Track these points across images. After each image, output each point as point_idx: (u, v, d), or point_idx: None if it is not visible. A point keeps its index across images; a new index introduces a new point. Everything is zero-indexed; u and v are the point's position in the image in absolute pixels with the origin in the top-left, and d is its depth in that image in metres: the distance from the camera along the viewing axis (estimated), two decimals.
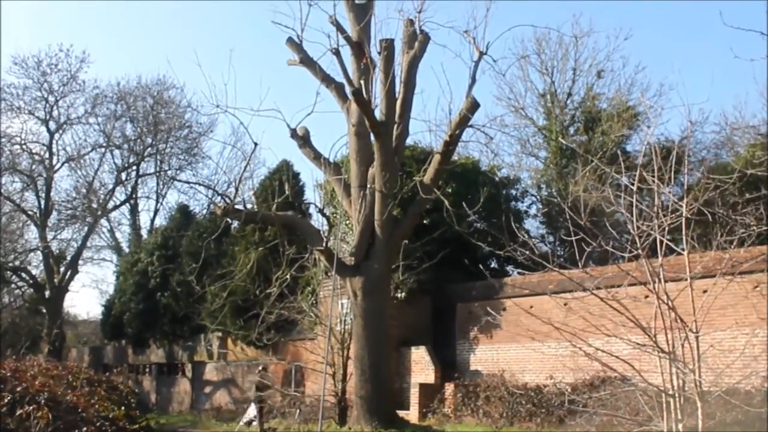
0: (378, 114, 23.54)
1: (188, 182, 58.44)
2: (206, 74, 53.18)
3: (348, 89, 23.97)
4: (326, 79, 25.08)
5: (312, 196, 41.53)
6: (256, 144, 23.78)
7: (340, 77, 24.72)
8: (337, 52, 24.10)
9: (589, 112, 35.10)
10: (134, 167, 57.58)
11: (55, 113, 53.33)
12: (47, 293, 53.03)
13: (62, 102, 53.31)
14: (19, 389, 14.48)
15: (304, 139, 26.29)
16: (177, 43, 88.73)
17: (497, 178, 31.23)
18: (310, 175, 57.34)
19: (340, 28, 24.33)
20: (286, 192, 25.47)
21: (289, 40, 25.39)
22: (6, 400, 13.88)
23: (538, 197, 36.47)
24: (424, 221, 27.16)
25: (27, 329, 52.89)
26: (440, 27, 23.67)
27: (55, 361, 30.33)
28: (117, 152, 57.08)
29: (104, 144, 55.63)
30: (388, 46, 22.88)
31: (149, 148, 56.63)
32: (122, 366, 45.60)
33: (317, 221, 29.89)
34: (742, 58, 11.23)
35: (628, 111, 33.45)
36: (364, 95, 22.31)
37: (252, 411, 28.46)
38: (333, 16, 24.24)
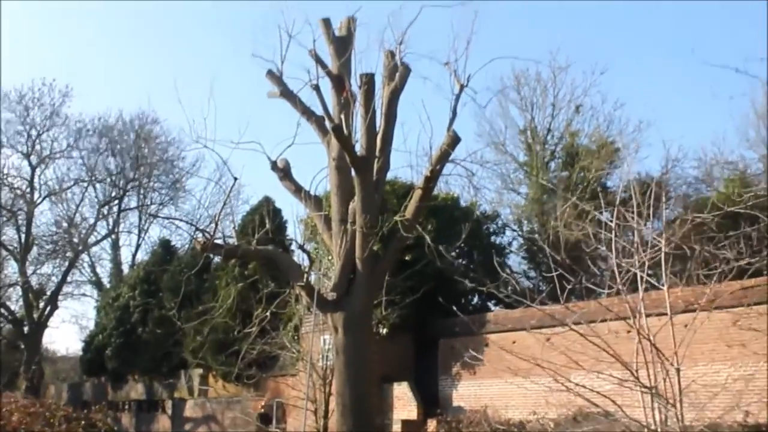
0: (358, 148, 23.45)
1: (169, 218, 58.13)
2: (187, 108, 52.89)
3: (328, 124, 23.90)
4: (306, 113, 24.95)
5: (293, 232, 41.37)
6: (236, 178, 23.55)
7: (320, 110, 24.70)
8: (316, 87, 24.00)
9: (570, 147, 35.28)
10: (116, 202, 57.31)
11: (37, 147, 53.24)
12: (26, 329, 52.42)
13: (45, 136, 53.34)
14: None
15: (284, 172, 26.06)
16: (159, 76, 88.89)
17: (477, 214, 31.18)
18: (291, 210, 57.05)
19: (320, 62, 24.29)
20: (267, 226, 25.28)
21: (269, 72, 25.23)
22: None
23: (519, 233, 36.51)
24: (406, 257, 27.07)
25: (5, 365, 52.28)
26: (421, 58, 23.60)
27: (32, 397, 30.00)
28: (99, 186, 56.73)
29: (86, 178, 55.42)
30: (368, 81, 22.78)
31: (131, 183, 56.41)
32: (101, 403, 45.10)
33: (299, 256, 29.73)
34: (721, 97, 11.33)
35: (607, 146, 33.66)
36: (344, 131, 22.23)
37: None
38: (313, 50, 24.21)
